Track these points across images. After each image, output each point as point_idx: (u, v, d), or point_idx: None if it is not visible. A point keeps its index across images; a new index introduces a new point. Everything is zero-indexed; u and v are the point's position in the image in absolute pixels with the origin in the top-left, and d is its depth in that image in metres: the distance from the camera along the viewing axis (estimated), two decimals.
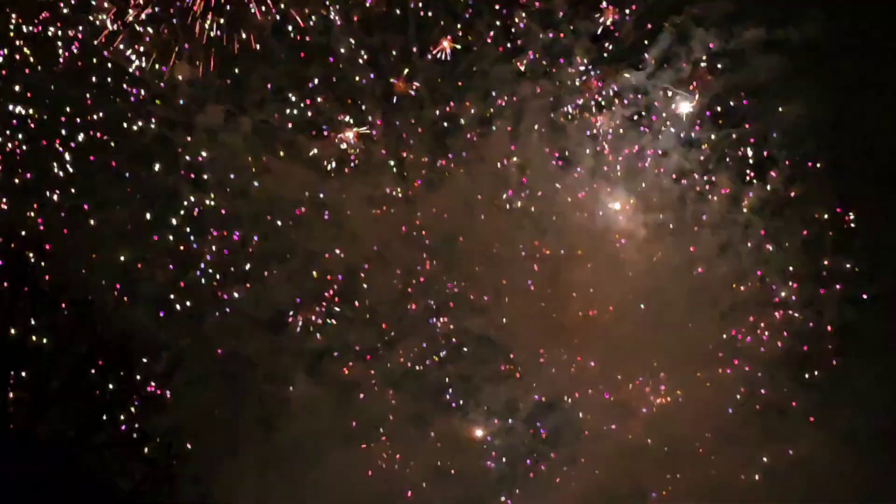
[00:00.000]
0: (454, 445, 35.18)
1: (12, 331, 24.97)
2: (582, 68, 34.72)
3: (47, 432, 25.53)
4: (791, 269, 34.51)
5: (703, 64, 34.59)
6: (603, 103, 35.05)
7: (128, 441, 26.95)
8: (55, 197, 31.81)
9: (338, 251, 35.05)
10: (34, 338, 25.35)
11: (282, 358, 34.74)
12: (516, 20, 34.30)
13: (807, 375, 34.04)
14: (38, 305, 25.32)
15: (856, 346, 33.47)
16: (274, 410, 33.88)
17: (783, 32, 34.14)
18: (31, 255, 25.78)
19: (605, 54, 34.70)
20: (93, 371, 26.03)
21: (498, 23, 34.45)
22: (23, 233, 27.12)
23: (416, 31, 34.33)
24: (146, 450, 27.17)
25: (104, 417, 26.29)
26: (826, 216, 34.26)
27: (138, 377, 27.08)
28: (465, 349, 35.55)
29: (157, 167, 33.71)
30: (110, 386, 26.31)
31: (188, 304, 33.86)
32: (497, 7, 34.34)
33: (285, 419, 33.78)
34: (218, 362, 33.68)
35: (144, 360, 28.43)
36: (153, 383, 27.84)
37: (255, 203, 34.60)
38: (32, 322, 25.32)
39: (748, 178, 34.92)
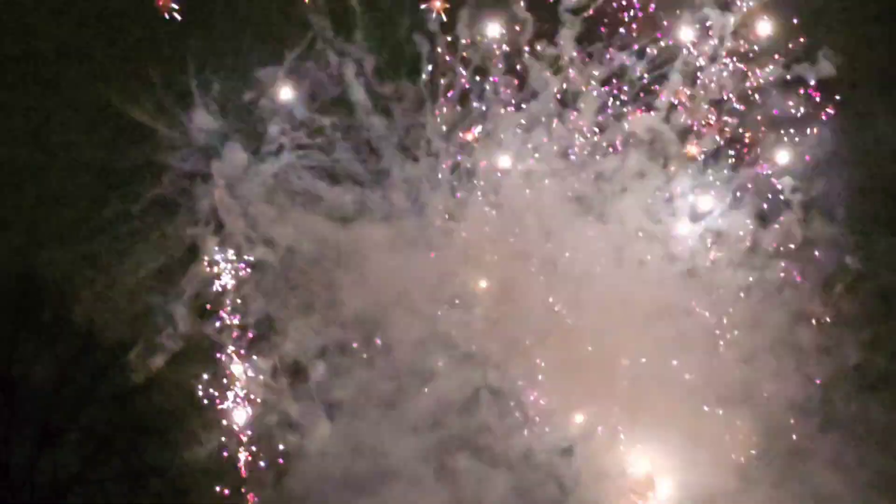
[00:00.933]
0: (473, 494, 34.69)
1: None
2: (594, 111, 34.73)
3: (50, 466, 25.69)
4: (809, 310, 33.85)
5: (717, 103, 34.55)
6: (617, 146, 34.95)
7: (132, 475, 27.07)
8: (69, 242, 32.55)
9: (358, 298, 35.04)
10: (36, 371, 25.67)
11: (299, 403, 34.72)
12: (526, 66, 34.52)
13: (828, 418, 33.16)
14: (42, 339, 25.70)
15: (877, 388, 32.70)
16: (288, 455, 33.78)
17: (799, 70, 34.15)
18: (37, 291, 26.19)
19: (617, 97, 34.75)
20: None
21: (508, 69, 34.70)
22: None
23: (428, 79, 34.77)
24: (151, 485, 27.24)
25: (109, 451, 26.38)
26: (844, 255, 33.67)
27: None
28: (485, 398, 35.14)
29: (176, 216, 34.20)
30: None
31: (206, 349, 34.15)
32: (507, 53, 34.52)
33: (299, 465, 33.68)
34: (233, 405, 33.83)
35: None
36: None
37: (274, 251, 34.89)
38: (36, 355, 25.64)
39: (766, 218, 34.50)
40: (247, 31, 33.29)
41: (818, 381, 33.62)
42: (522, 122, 35.21)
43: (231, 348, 34.60)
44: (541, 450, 34.82)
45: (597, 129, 35.14)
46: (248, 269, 34.92)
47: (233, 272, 34.79)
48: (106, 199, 33.17)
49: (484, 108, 35.17)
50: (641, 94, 34.97)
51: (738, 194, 34.93)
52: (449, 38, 34.62)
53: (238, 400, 34.21)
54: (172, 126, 33.43)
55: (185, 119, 33.50)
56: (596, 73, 34.87)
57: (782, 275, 34.45)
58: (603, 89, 35.04)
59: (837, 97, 34.29)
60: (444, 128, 35.15)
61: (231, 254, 34.78)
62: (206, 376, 33.91)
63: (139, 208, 33.71)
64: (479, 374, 35.09)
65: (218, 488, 31.58)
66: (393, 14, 34.47)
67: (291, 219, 35.00)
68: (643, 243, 35.18)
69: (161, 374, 32.24)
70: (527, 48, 34.76)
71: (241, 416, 34.05)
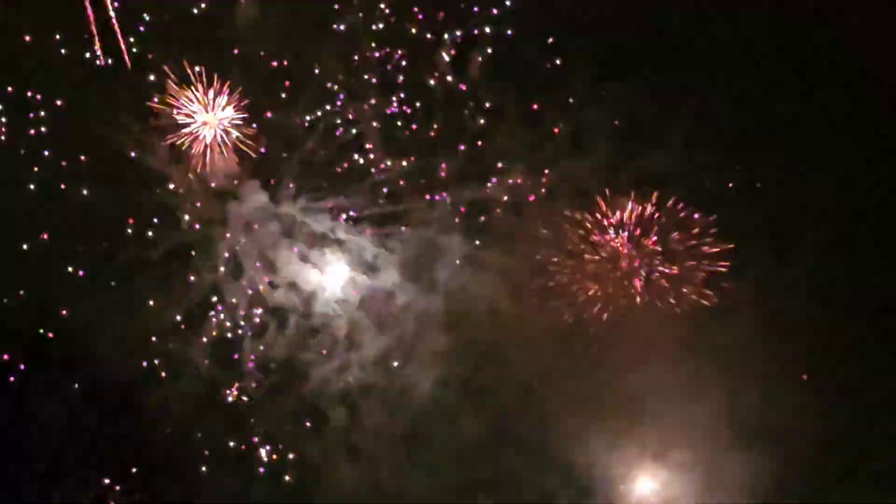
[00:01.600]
0: None
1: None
2: (606, 152, 34.83)
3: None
4: (824, 349, 33.53)
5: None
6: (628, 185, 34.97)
7: None
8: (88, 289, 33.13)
9: (378, 341, 35.20)
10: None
11: (320, 446, 34.84)
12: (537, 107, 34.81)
13: (846, 457, 33.01)
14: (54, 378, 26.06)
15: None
16: (308, 498, 33.87)
17: (811, 108, 34.04)
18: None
19: (629, 136, 34.86)
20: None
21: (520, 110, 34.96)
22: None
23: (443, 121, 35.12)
24: None
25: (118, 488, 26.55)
26: (862, 290, 33.37)
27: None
28: (506, 439, 34.98)
29: (195, 261, 34.62)
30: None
31: (228, 393, 34.49)
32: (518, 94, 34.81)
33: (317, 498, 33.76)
34: (253, 448, 34.13)
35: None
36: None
37: (295, 295, 35.15)
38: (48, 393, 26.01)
39: (776, 257, 34.32)
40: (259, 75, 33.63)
41: (839, 416, 33.19)
42: (536, 163, 35.24)
43: (252, 392, 34.80)
44: (562, 491, 34.60)
45: (611, 168, 35.08)
46: (269, 314, 35.12)
47: (253, 317, 35.02)
48: (124, 245, 33.68)
49: (497, 149, 35.27)
50: (652, 133, 34.87)
51: (753, 229, 34.66)
52: (461, 81, 34.80)
53: (258, 443, 34.42)
54: (188, 171, 33.93)
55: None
56: (608, 112, 34.92)
57: (800, 310, 34.05)
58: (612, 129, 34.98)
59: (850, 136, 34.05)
60: (459, 170, 35.21)
61: (251, 298, 34.99)
62: (225, 420, 34.19)
63: (158, 254, 34.13)
64: (499, 416, 35.00)
65: None
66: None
67: (310, 262, 35.26)
68: (661, 281, 34.93)
69: (180, 416, 32.59)
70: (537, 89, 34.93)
71: (261, 458, 34.25)
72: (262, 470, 34.20)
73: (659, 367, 34.73)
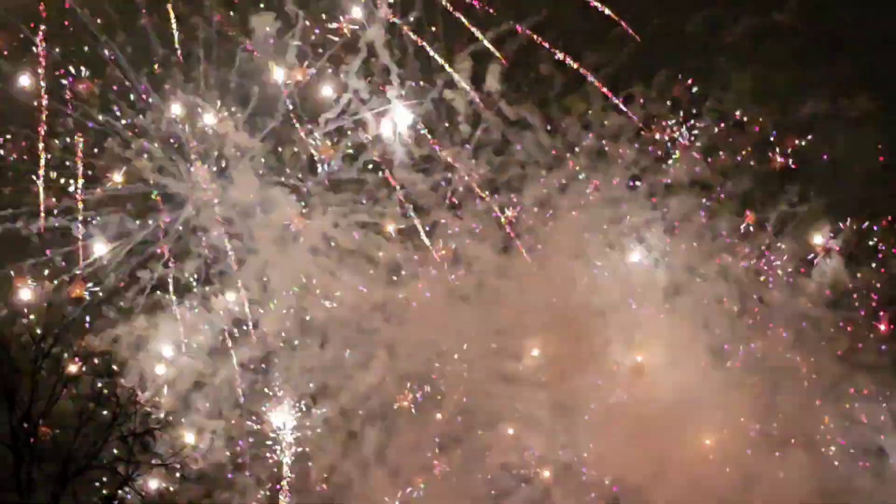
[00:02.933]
0: None
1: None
2: (629, 161, 34.62)
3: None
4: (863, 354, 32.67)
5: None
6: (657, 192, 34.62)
7: None
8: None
9: (412, 357, 34.98)
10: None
11: (350, 461, 34.77)
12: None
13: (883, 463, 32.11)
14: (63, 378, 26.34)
15: None
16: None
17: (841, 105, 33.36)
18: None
19: (652, 145, 34.63)
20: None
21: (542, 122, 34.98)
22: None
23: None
24: None
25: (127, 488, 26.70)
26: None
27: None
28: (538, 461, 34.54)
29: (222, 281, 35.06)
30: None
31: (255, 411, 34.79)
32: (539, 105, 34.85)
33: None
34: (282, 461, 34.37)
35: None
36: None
37: (326, 312, 35.20)
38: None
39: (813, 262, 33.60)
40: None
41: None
42: (559, 174, 35.17)
43: (283, 408, 34.93)
44: None
45: (635, 177, 34.82)
46: (301, 331, 35.21)
47: (284, 335, 35.17)
48: (150, 266, 34.45)
49: (521, 161, 35.27)
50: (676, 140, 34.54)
51: (784, 236, 34.01)
52: (482, 95, 34.96)
53: (287, 458, 34.54)
54: (208, 189, 34.50)
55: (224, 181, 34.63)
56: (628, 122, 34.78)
57: (833, 318, 33.24)
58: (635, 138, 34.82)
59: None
60: (481, 183, 35.27)
61: (281, 317, 35.13)
62: (251, 437, 34.51)
63: (187, 274, 34.70)
64: (540, 441, 34.58)
65: None
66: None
67: (342, 277, 35.32)
68: (695, 286, 34.29)
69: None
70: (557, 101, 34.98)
71: (288, 472, 34.39)
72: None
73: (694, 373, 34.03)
